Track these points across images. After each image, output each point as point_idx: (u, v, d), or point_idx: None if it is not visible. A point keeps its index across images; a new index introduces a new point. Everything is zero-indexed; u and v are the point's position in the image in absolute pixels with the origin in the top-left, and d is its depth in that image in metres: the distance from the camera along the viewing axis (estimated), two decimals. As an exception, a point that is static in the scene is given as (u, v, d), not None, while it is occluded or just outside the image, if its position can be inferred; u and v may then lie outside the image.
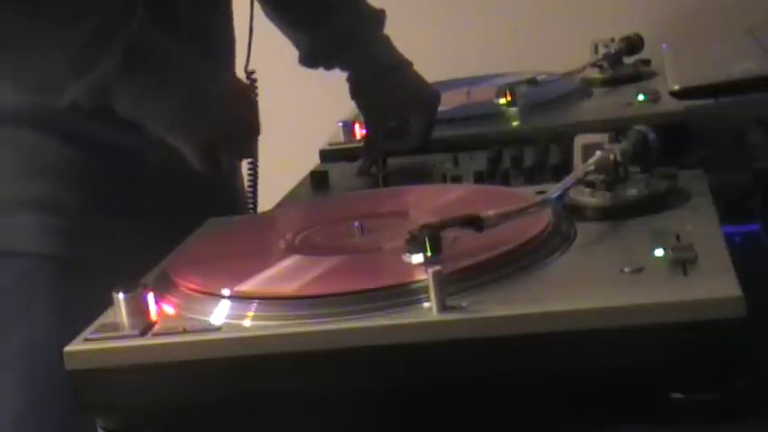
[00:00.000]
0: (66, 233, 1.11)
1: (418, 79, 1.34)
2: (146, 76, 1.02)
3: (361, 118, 1.34)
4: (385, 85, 1.31)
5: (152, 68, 1.03)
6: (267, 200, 1.30)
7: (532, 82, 1.41)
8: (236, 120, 1.08)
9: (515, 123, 1.33)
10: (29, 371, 1.09)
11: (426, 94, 1.32)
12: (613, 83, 1.46)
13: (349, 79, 1.34)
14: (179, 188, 1.15)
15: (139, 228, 1.12)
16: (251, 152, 1.16)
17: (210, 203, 1.15)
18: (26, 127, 1.10)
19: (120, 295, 0.76)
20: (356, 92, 1.33)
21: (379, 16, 1.34)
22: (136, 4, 1.03)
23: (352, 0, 1.34)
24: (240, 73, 1.23)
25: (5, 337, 1.10)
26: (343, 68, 1.35)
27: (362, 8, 1.34)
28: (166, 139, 1.05)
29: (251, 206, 1.28)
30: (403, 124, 1.30)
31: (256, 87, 1.22)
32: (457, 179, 1.14)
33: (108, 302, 0.79)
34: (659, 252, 0.75)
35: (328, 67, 1.35)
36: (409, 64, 1.34)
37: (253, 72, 1.22)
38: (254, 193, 1.27)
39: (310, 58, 1.35)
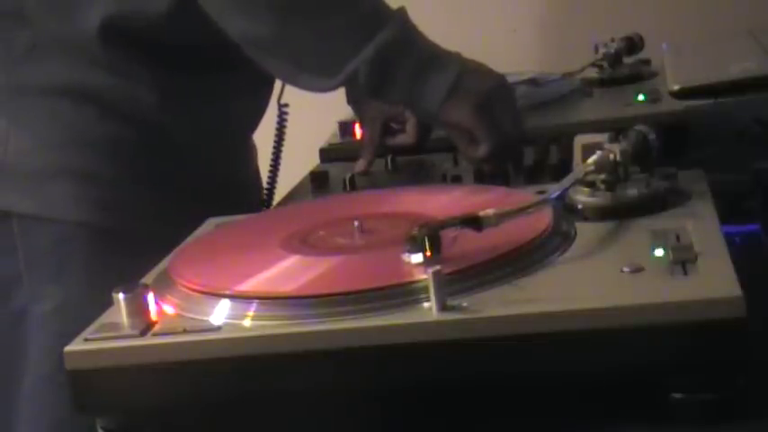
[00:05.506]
0: (101, 203, 1.14)
1: None
2: (420, 48, 1.05)
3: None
4: None
5: (422, 43, 1.06)
6: (267, 200, 1.31)
7: (532, 82, 1.41)
8: (496, 80, 1.11)
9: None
10: (59, 332, 1.10)
11: None
12: (613, 83, 1.46)
13: None
14: (208, 165, 1.19)
15: (170, 202, 1.15)
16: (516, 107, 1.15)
17: (235, 184, 1.20)
18: (67, 99, 1.13)
19: (120, 295, 0.76)
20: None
21: None
22: None
23: None
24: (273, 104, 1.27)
25: (38, 298, 1.15)
26: None
27: None
28: (439, 112, 1.06)
29: (265, 202, 1.29)
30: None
31: (286, 120, 1.27)
32: (457, 179, 1.14)
33: (139, 271, 0.83)
34: (659, 252, 0.75)
35: None
36: None
37: (286, 105, 1.26)
38: (272, 187, 1.30)
39: None
